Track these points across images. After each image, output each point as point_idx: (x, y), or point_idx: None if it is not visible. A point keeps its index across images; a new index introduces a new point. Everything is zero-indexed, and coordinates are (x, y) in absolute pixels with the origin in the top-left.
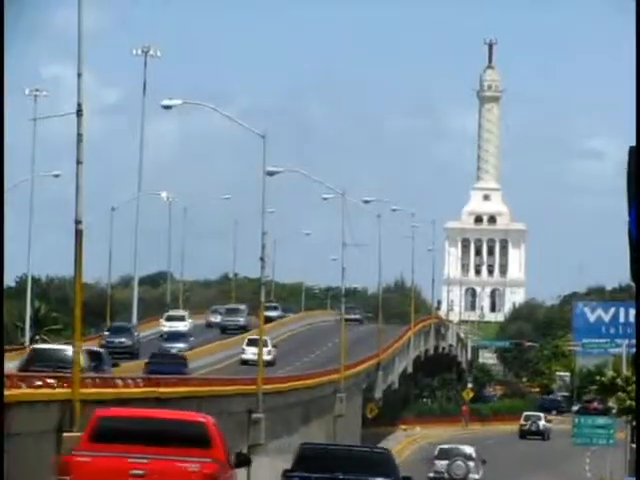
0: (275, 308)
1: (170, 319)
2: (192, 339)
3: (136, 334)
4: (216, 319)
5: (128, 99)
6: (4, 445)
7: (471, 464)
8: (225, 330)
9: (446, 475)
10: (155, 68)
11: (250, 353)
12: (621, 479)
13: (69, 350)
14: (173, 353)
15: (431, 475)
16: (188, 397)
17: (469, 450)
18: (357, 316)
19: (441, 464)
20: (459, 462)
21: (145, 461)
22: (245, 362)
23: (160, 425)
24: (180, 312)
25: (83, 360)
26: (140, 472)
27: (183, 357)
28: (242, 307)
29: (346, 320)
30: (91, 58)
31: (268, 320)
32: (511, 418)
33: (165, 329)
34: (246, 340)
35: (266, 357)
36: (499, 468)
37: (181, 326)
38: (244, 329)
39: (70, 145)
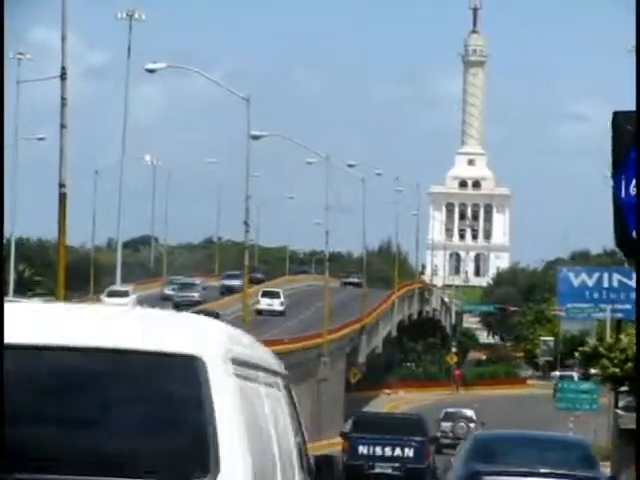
0: (236, 277)
1: (112, 295)
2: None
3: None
4: (171, 292)
5: (112, 63)
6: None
7: (472, 425)
8: (178, 306)
9: (450, 434)
10: (140, 32)
11: (264, 303)
12: (605, 444)
13: None
14: (212, 311)
15: (438, 434)
16: None
17: (470, 413)
18: (356, 280)
19: (446, 425)
20: (462, 423)
21: None
22: (260, 312)
23: None
24: (123, 287)
25: None
26: None
27: (217, 313)
28: (197, 282)
29: (346, 284)
30: (76, 22)
31: (229, 290)
32: (494, 383)
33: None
34: (261, 291)
35: (278, 307)
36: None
37: (124, 303)
38: (199, 304)
39: (54, 109)
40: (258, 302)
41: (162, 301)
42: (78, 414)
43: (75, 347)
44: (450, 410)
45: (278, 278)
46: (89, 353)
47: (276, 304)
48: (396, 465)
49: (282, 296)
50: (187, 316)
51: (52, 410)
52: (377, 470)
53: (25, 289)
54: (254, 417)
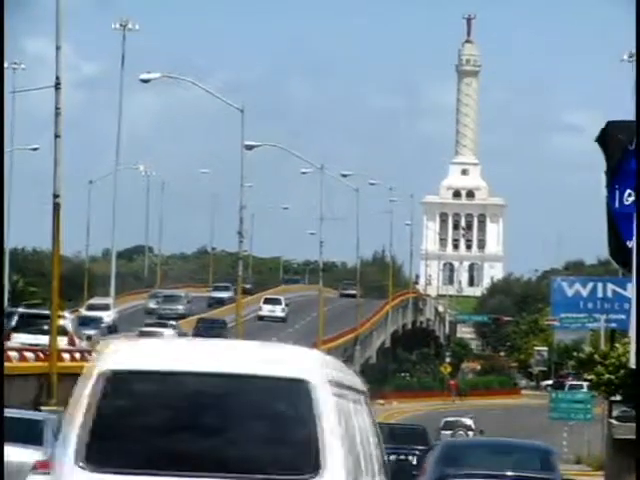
0: (226, 289)
1: (91, 308)
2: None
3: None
4: (155, 305)
5: (107, 73)
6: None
7: (470, 434)
8: (162, 319)
9: None
10: (134, 42)
11: (266, 310)
12: (599, 454)
13: (165, 332)
14: (216, 319)
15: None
16: None
17: (469, 422)
18: (353, 292)
19: (446, 434)
20: (460, 432)
21: None
22: (261, 318)
23: None
24: (104, 300)
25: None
26: None
27: (224, 321)
28: (182, 294)
29: (345, 295)
30: (70, 32)
31: (218, 302)
32: (489, 393)
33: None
34: (263, 299)
35: (280, 314)
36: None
37: (104, 316)
38: (183, 318)
39: (48, 119)
40: (260, 309)
41: (146, 315)
42: (216, 426)
43: (211, 373)
44: (450, 419)
45: (273, 288)
46: (222, 378)
47: (278, 310)
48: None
49: (283, 303)
50: (293, 347)
51: (205, 424)
52: None
53: (19, 300)
54: (347, 427)
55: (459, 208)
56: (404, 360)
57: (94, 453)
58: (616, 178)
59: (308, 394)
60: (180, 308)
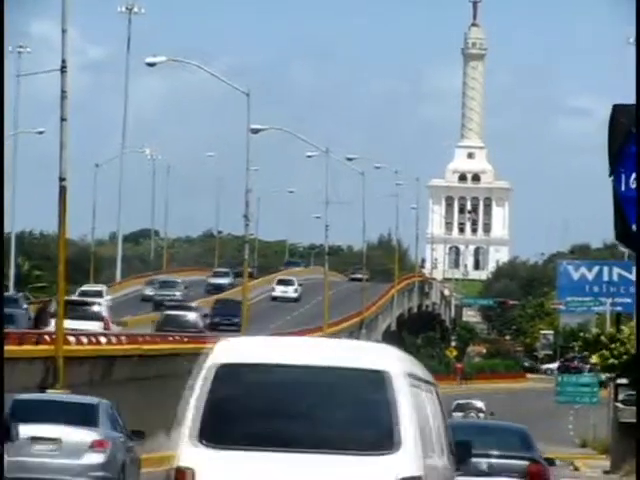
0: (225, 274)
1: (83, 295)
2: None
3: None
4: (151, 292)
5: (113, 56)
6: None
7: (481, 415)
8: (159, 306)
9: None
10: (139, 25)
11: (279, 291)
12: (605, 437)
13: (189, 315)
14: (234, 300)
15: None
16: (173, 354)
17: (480, 404)
18: (360, 275)
19: (457, 416)
20: (472, 414)
21: None
22: (275, 298)
23: None
24: (96, 287)
25: (202, 322)
26: None
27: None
28: (178, 280)
29: (353, 279)
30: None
31: (217, 289)
32: (494, 377)
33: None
34: (276, 279)
35: (292, 294)
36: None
37: (94, 305)
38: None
39: (55, 102)
40: (273, 290)
41: (142, 302)
42: (310, 410)
43: (307, 366)
44: (461, 402)
45: (274, 273)
46: (316, 369)
47: (290, 291)
48: None
49: (296, 284)
50: (375, 344)
51: (301, 408)
52: None
53: (24, 283)
54: (420, 412)
55: (465, 192)
56: (410, 344)
57: (206, 432)
58: (621, 162)
59: (388, 384)
60: (177, 294)
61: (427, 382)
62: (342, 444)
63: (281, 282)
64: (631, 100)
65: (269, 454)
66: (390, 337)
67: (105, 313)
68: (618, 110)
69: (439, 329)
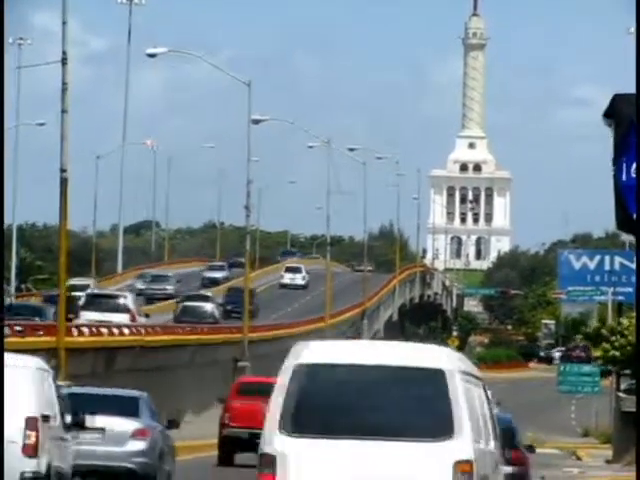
0: (220, 268)
1: (72, 289)
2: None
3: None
4: (142, 286)
5: (114, 48)
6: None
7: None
8: (151, 300)
9: None
10: (140, 16)
11: (287, 278)
12: (607, 427)
13: (207, 306)
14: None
15: None
16: (174, 345)
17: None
18: (369, 268)
19: None
20: None
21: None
22: (284, 286)
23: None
24: (85, 280)
25: (217, 312)
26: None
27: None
28: (170, 274)
29: (357, 271)
30: (77, 7)
31: (213, 282)
32: (496, 366)
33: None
34: (284, 267)
35: (300, 282)
36: None
37: (121, 298)
38: (172, 298)
39: (56, 94)
40: (282, 277)
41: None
42: (379, 403)
43: (377, 365)
44: None
45: (271, 265)
46: (384, 368)
47: (298, 279)
48: None
49: (304, 271)
50: (433, 346)
51: (371, 401)
52: None
53: (26, 275)
54: (472, 404)
55: (466, 182)
56: (412, 334)
57: (288, 423)
58: (622, 151)
59: (445, 380)
60: (169, 288)
61: (476, 378)
62: (406, 432)
63: (289, 270)
64: (632, 89)
65: (344, 441)
66: (392, 327)
67: (131, 305)
68: (620, 99)
69: (441, 319)
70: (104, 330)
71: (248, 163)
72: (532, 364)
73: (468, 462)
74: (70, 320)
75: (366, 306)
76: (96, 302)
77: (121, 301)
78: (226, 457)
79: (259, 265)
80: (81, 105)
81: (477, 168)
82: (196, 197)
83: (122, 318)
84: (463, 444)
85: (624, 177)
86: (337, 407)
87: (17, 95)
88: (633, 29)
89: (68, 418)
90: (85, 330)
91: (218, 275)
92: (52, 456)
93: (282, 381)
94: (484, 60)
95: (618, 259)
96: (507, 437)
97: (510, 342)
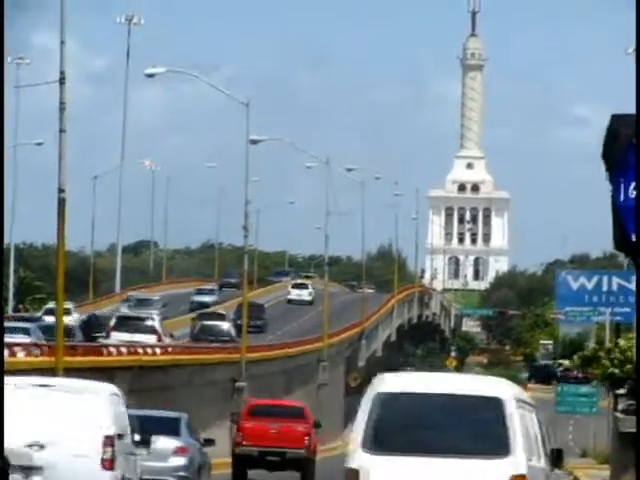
0: (210, 292)
1: (50, 313)
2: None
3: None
4: (127, 310)
5: (112, 68)
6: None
7: None
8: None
9: None
10: (139, 37)
11: (294, 294)
12: (605, 447)
13: (224, 325)
14: (257, 303)
15: None
16: (172, 365)
17: None
18: (370, 289)
19: None
20: None
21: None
22: (290, 301)
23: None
24: (65, 304)
25: (234, 331)
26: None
27: (262, 305)
28: (156, 297)
29: (359, 289)
30: (75, 27)
31: (202, 306)
32: None
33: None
34: (291, 284)
35: (307, 297)
36: None
37: (148, 320)
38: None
39: (54, 113)
40: (289, 293)
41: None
42: (447, 425)
43: (445, 394)
44: None
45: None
46: (451, 396)
47: (305, 294)
48: None
49: (310, 287)
50: (492, 378)
51: (439, 424)
52: None
53: (25, 294)
54: (525, 426)
55: (464, 202)
56: (410, 354)
57: (368, 442)
58: (620, 171)
59: (502, 407)
60: (154, 313)
61: (530, 405)
62: (469, 450)
63: (296, 286)
64: (630, 109)
65: (415, 458)
66: (390, 347)
67: (158, 326)
68: (617, 120)
69: (439, 339)
70: (104, 351)
71: (246, 183)
72: (530, 385)
73: (522, 476)
74: (95, 339)
75: (364, 326)
76: (126, 324)
77: (149, 323)
78: (240, 473)
79: (257, 285)
80: (80, 125)
81: (475, 188)
82: (194, 217)
83: (149, 339)
84: (518, 461)
85: (622, 197)
86: (410, 429)
87: (15, 114)
88: (631, 50)
89: (136, 437)
90: (113, 350)
91: (207, 299)
92: (125, 469)
93: (364, 407)
94: (482, 80)
95: (616, 280)
96: None
97: (509, 362)
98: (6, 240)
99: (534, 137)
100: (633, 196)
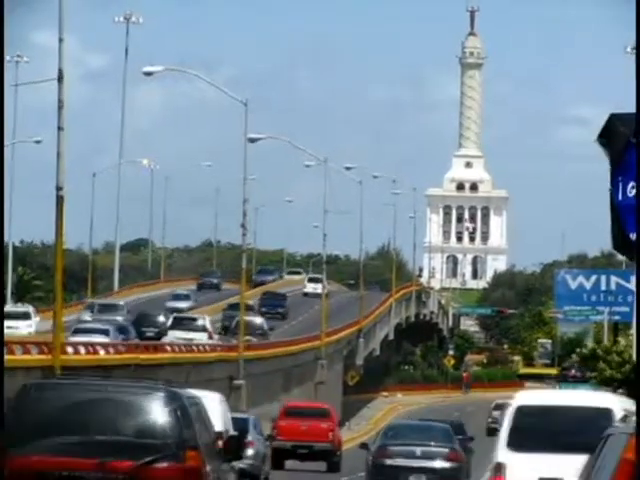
0: (186, 298)
1: (9, 317)
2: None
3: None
4: (89, 317)
5: (111, 66)
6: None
7: None
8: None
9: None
10: (137, 35)
11: (310, 287)
12: None
13: (257, 319)
14: (279, 292)
15: (489, 420)
16: (170, 364)
17: None
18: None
19: (496, 413)
20: None
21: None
22: (306, 294)
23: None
24: (22, 308)
25: (266, 325)
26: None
27: (284, 295)
28: (121, 302)
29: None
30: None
31: (177, 312)
32: (492, 386)
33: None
34: (307, 278)
35: (320, 291)
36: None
37: (23, 327)
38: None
39: (52, 111)
40: (305, 287)
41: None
42: (573, 429)
43: (568, 406)
44: (499, 401)
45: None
46: (574, 408)
47: (319, 288)
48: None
49: (325, 281)
50: (604, 393)
51: (566, 428)
52: None
53: (24, 292)
54: None
55: (462, 201)
56: (408, 352)
57: (511, 442)
58: (619, 170)
59: (612, 415)
60: (119, 319)
61: (633, 414)
62: (586, 447)
63: (311, 280)
64: (629, 108)
65: (548, 455)
66: (388, 346)
67: (209, 326)
68: (616, 119)
69: (437, 338)
70: (101, 350)
71: (244, 182)
72: (528, 383)
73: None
74: (158, 338)
75: (362, 325)
76: (181, 323)
77: (200, 322)
78: (277, 463)
79: (254, 285)
80: (78, 122)
81: (474, 187)
82: (193, 215)
83: (202, 336)
84: None
85: (620, 196)
86: (543, 432)
87: (14, 112)
88: (630, 48)
89: (235, 433)
90: (81, 349)
91: (182, 305)
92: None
93: (508, 417)
94: (481, 79)
95: (614, 279)
96: (445, 441)
97: (506, 361)
98: (5, 238)
99: (533, 136)
100: (632, 195)
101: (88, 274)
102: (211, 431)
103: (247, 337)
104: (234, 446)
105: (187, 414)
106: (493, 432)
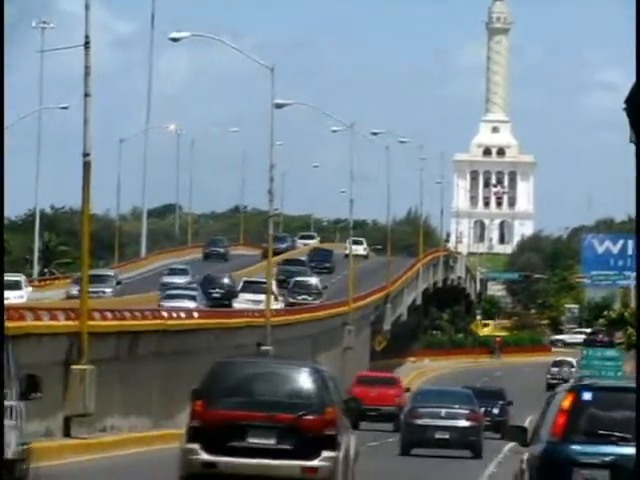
0: (183, 271)
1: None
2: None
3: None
4: (76, 292)
5: (138, 32)
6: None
7: (573, 370)
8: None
9: (557, 376)
10: (164, 2)
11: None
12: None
13: (312, 280)
14: (326, 248)
15: (548, 376)
16: (198, 329)
17: (572, 361)
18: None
19: (554, 370)
20: (565, 368)
21: None
22: (346, 256)
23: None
24: (13, 277)
25: (321, 285)
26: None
27: (331, 251)
28: (111, 273)
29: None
30: None
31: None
32: (520, 350)
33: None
34: (348, 240)
35: (362, 252)
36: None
37: (13, 297)
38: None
39: (79, 78)
40: (345, 248)
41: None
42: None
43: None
44: (557, 359)
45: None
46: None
47: (360, 250)
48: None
49: (365, 244)
50: None
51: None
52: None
53: (51, 259)
54: None
55: (489, 166)
56: (435, 318)
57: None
58: None
59: None
60: (107, 291)
61: None
62: None
63: (353, 242)
64: None
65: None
66: (415, 311)
67: (274, 289)
68: None
69: (464, 303)
70: (127, 314)
71: (271, 147)
72: (555, 349)
73: None
74: (228, 305)
75: (390, 290)
76: (250, 287)
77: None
78: (352, 424)
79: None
80: (105, 89)
81: (501, 152)
82: (220, 181)
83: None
84: None
85: None
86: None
87: (40, 79)
88: None
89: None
90: (108, 314)
91: (179, 280)
92: None
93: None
94: (508, 44)
95: None
96: (467, 403)
97: (534, 326)
98: (31, 204)
99: (560, 101)
100: None
101: (114, 240)
102: (341, 395)
103: (303, 296)
104: (352, 406)
105: (325, 382)
106: (552, 387)
